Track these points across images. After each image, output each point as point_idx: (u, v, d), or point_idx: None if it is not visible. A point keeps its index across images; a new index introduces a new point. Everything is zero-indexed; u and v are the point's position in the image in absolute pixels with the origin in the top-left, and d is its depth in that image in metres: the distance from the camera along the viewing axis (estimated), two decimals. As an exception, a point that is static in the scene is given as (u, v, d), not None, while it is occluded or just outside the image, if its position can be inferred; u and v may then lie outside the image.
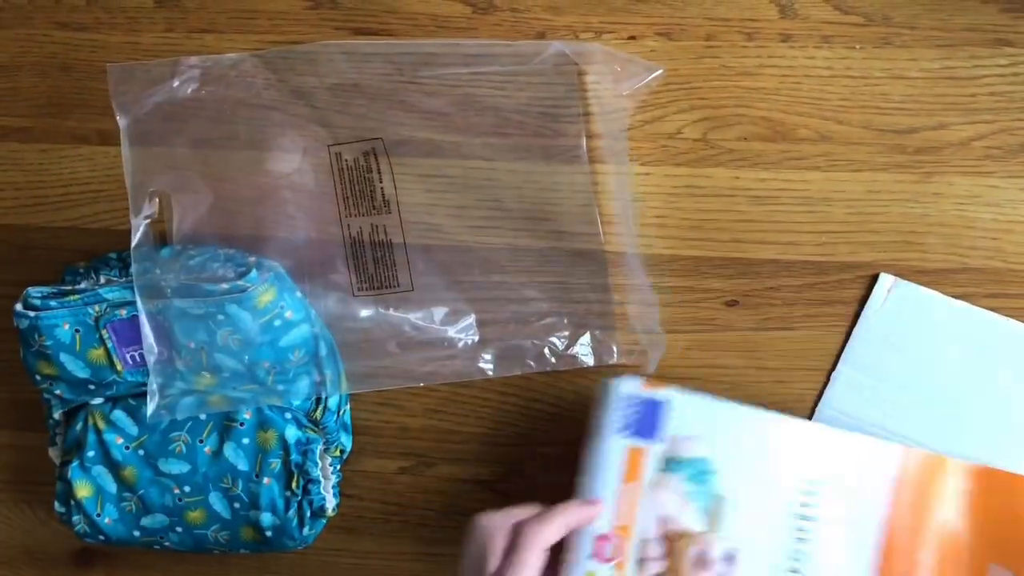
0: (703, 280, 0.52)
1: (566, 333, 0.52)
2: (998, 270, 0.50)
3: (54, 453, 0.55)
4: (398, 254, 0.53)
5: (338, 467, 0.55)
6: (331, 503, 0.53)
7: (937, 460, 0.46)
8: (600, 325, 0.52)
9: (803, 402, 0.52)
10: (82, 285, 0.52)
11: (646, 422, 0.46)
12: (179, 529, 0.53)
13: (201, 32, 0.54)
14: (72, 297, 0.51)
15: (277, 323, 0.50)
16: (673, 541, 0.45)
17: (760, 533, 0.45)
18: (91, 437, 0.53)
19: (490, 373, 0.52)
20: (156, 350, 0.51)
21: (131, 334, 0.51)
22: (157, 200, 0.53)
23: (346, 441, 0.55)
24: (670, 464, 0.45)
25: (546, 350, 0.52)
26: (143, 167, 0.52)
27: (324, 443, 0.53)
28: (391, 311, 0.53)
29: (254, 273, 0.50)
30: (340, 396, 0.54)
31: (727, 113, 0.51)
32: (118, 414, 0.53)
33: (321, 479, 0.53)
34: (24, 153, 0.57)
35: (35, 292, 0.51)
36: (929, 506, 0.46)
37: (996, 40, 0.49)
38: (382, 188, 0.53)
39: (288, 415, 0.53)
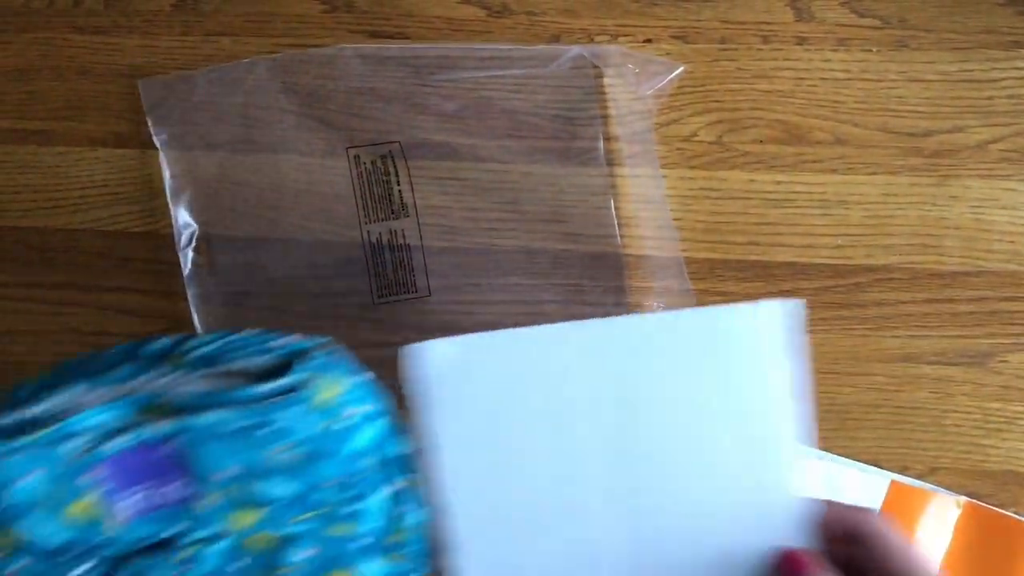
0: (719, 283, 0.52)
1: (581, 336, 0.52)
2: (1015, 273, 0.50)
3: None
4: (415, 257, 0.53)
5: None
6: None
7: (924, 493, 0.46)
8: (616, 328, 0.52)
9: (817, 405, 0.52)
10: (38, 409, 0.37)
11: None
12: None
13: (217, 35, 0.55)
14: (42, 431, 0.36)
15: (343, 425, 0.37)
16: None
17: None
18: None
19: (506, 375, 0.52)
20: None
21: (130, 472, 0.37)
22: (192, 215, 0.53)
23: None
24: None
25: (561, 353, 0.52)
26: (169, 176, 0.53)
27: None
28: (408, 314, 0.53)
29: (316, 360, 0.38)
30: (422, 507, 0.40)
31: (742, 116, 0.51)
32: None
33: None
34: (42, 156, 0.57)
35: None
36: (911, 535, 0.46)
37: (1013, 43, 0.49)
38: (400, 191, 0.53)
39: (360, 542, 0.39)
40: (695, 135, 0.52)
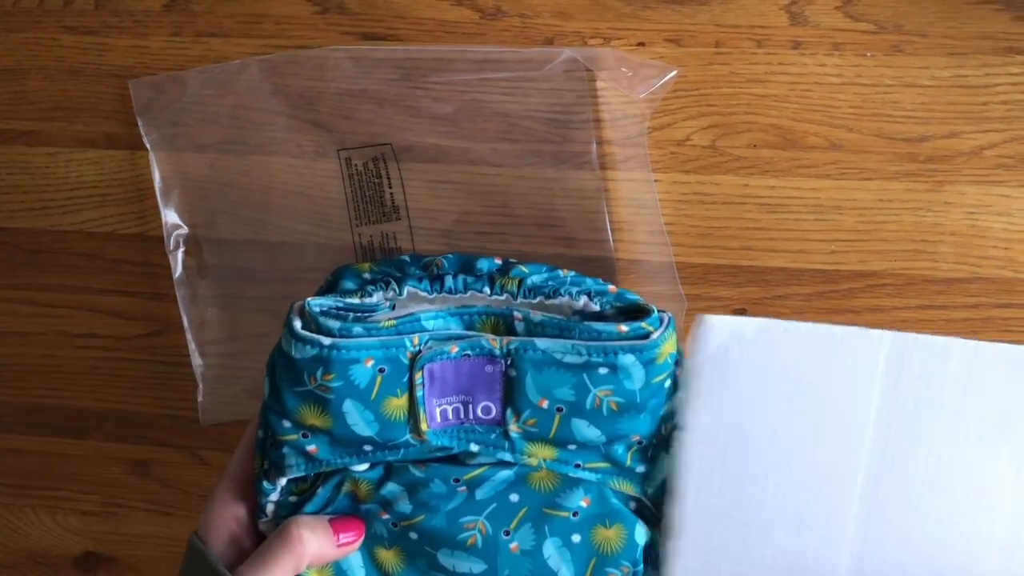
0: (712, 288, 0.52)
1: (573, 340, 0.52)
2: (1009, 280, 0.49)
3: (267, 528, 0.40)
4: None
5: None
6: None
7: None
8: (608, 333, 0.52)
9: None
10: (373, 299, 0.38)
11: None
12: None
13: (208, 36, 0.54)
14: (384, 323, 0.36)
15: (668, 384, 0.37)
16: None
17: None
18: (343, 503, 0.38)
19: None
20: (495, 410, 0.37)
21: (452, 381, 0.37)
22: (181, 215, 0.53)
23: None
24: None
25: (553, 357, 0.52)
26: (160, 177, 0.53)
27: None
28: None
29: (656, 314, 0.37)
30: None
31: (736, 120, 0.51)
32: (392, 488, 0.38)
33: None
34: (31, 156, 0.56)
35: (317, 305, 0.37)
36: None
37: (1008, 48, 0.49)
38: (391, 194, 0.53)
39: (633, 504, 0.39)
40: (688, 139, 0.51)
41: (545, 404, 0.36)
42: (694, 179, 0.51)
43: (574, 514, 0.37)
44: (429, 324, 0.37)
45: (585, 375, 0.36)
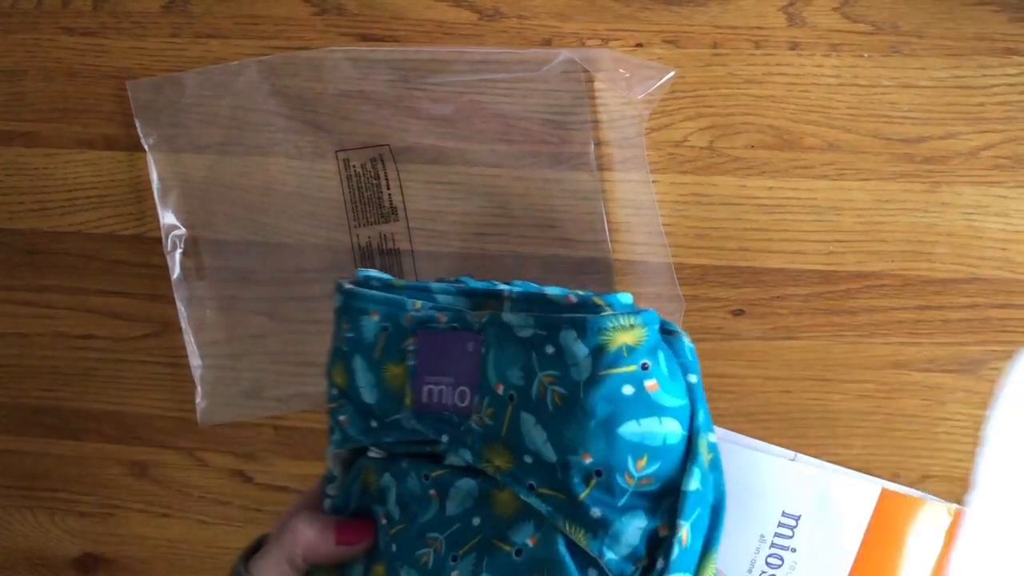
0: (709, 289, 0.52)
1: (571, 341, 0.52)
2: (1007, 280, 0.50)
3: None
4: (405, 261, 0.53)
5: None
6: None
7: (915, 501, 0.46)
8: (606, 333, 0.52)
9: (808, 412, 0.52)
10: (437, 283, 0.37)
11: None
12: None
13: (207, 37, 0.54)
14: (397, 282, 0.36)
15: (628, 391, 0.30)
16: None
17: (736, 556, 0.46)
18: (360, 502, 0.37)
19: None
20: (468, 395, 0.33)
21: (440, 359, 0.34)
22: (178, 216, 0.53)
23: None
24: None
25: (551, 358, 0.52)
26: (158, 178, 0.53)
27: None
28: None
29: (627, 296, 0.32)
30: None
31: (734, 121, 0.51)
32: (387, 480, 0.35)
33: None
34: (29, 158, 0.56)
35: (371, 271, 0.37)
36: (902, 545, 0.46)
37: (1005, 49, 0.49)
38: (389, 195, 0.53)
39: (587, 566, 0.31)
40: (686, 140, 0.51)
41: (500, 390, 0.32)
42: (692, 180, 0.52)
43: (517, 552, 0.31)
44: (439, 298, 0.35)
45: (533, 354, 0.31)
